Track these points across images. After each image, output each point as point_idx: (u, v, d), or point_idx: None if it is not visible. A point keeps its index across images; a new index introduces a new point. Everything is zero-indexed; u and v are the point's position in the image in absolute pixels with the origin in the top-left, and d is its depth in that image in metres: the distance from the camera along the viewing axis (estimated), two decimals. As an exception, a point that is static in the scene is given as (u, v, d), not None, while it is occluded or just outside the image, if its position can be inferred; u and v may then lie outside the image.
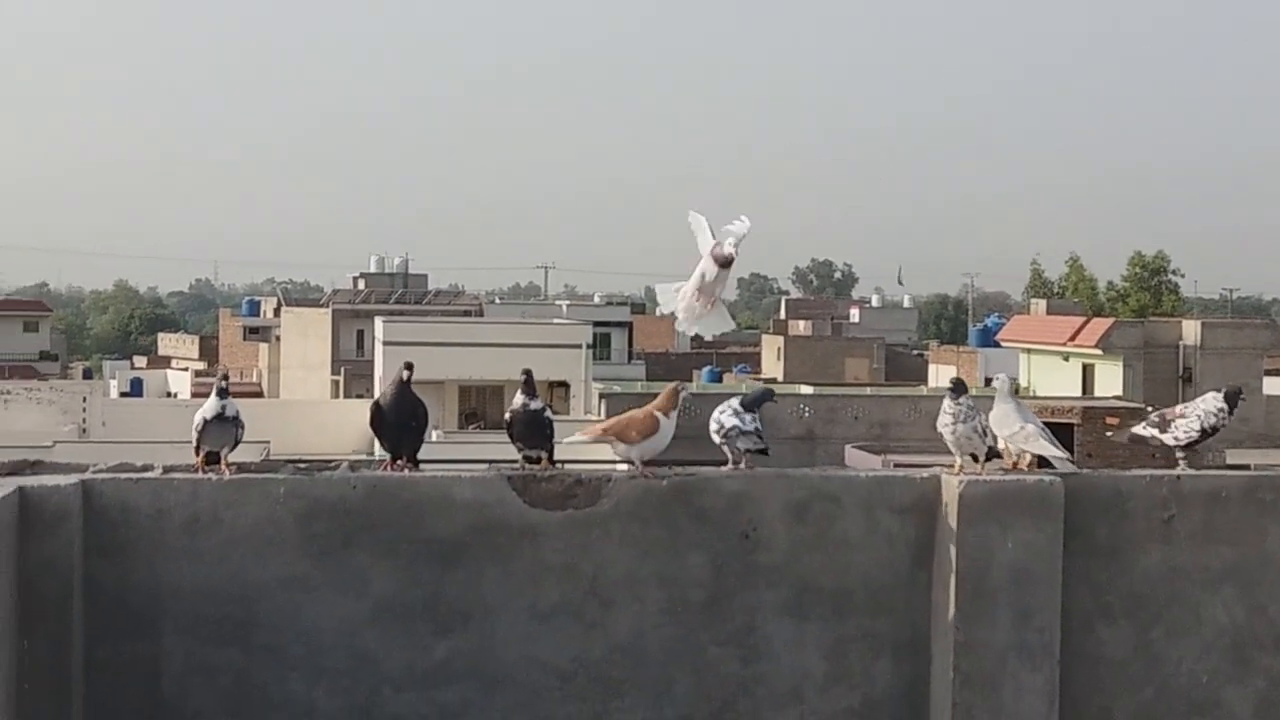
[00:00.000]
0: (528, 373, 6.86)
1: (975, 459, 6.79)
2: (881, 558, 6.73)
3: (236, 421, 6.48)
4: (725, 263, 6.86)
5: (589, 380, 52.18)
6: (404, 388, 6.71)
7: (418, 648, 6.52)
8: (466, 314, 72.77)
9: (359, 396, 64.53)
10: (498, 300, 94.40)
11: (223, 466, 6.51)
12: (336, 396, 67.87)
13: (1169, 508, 6.81)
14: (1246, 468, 7.55)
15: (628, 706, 6.65)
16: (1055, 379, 53.71)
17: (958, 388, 6.83)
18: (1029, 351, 56.28)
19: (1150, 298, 74.02)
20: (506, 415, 6.79)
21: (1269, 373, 56.13)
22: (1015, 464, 6.90)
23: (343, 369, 71.72)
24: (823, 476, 6.79)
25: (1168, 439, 6.99)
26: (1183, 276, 78.03)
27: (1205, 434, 6.94)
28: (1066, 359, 54.20)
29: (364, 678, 6.49)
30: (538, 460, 6.72)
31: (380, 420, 6.73)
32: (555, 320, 64.02)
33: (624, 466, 6.76)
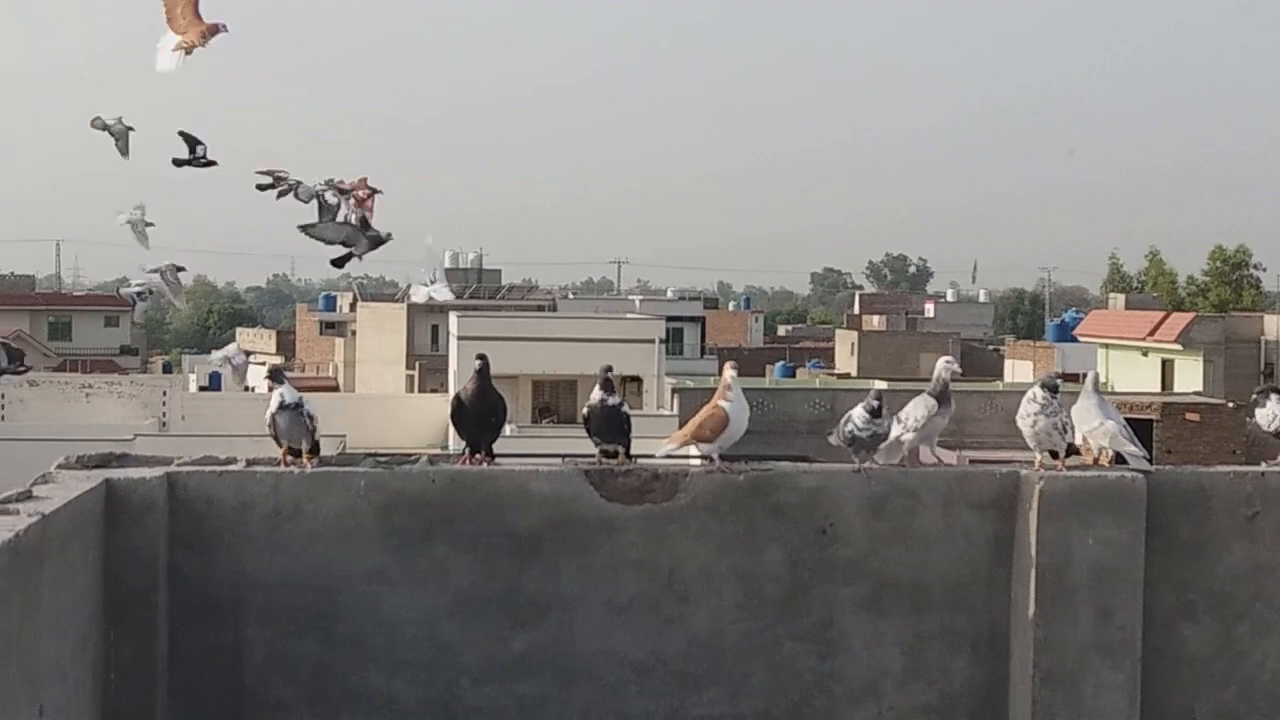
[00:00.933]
0: (608, 369, 6.88)
1: (1054, 455, 6.74)
2: (960, 553, 6.69)
3: (299, 409, 6.55)
4: None
5: (662, 375, 52.16)
6: (485, 382, 6.75)
7: (496, 640, 6.56)
8: (540, 309, 73.02)
9: (434, 391, 64.89)
10: (571, 295, 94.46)
11: (304, 460, 6.58)
12: (412, 391, 68.29)
13: (1253, 504, 6.72)
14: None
15: (704, 701, 6.66)
16: (1134, 374, 53.09)
17: (1051, 384, 6.75)
18: (1107, 347, 55.68)
19: (1231, 292, 73.00)
20: (584, 410, 6.82)
21: (1356, 369, 55.22)
22: (1096, 459, 6.84)
23: (418, 364, 72.10)
24: (901, 472, 6.76)
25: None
26: (1264, 270, 76.88)
27: None
28: (1145, 354, 53.60)
29: (443, 670, 6.54)
30: (615, 455, 6.74)
31: (460, 414, 6.78)
32: (628, 315, 64.05)
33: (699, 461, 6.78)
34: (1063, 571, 6.54)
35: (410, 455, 6.86)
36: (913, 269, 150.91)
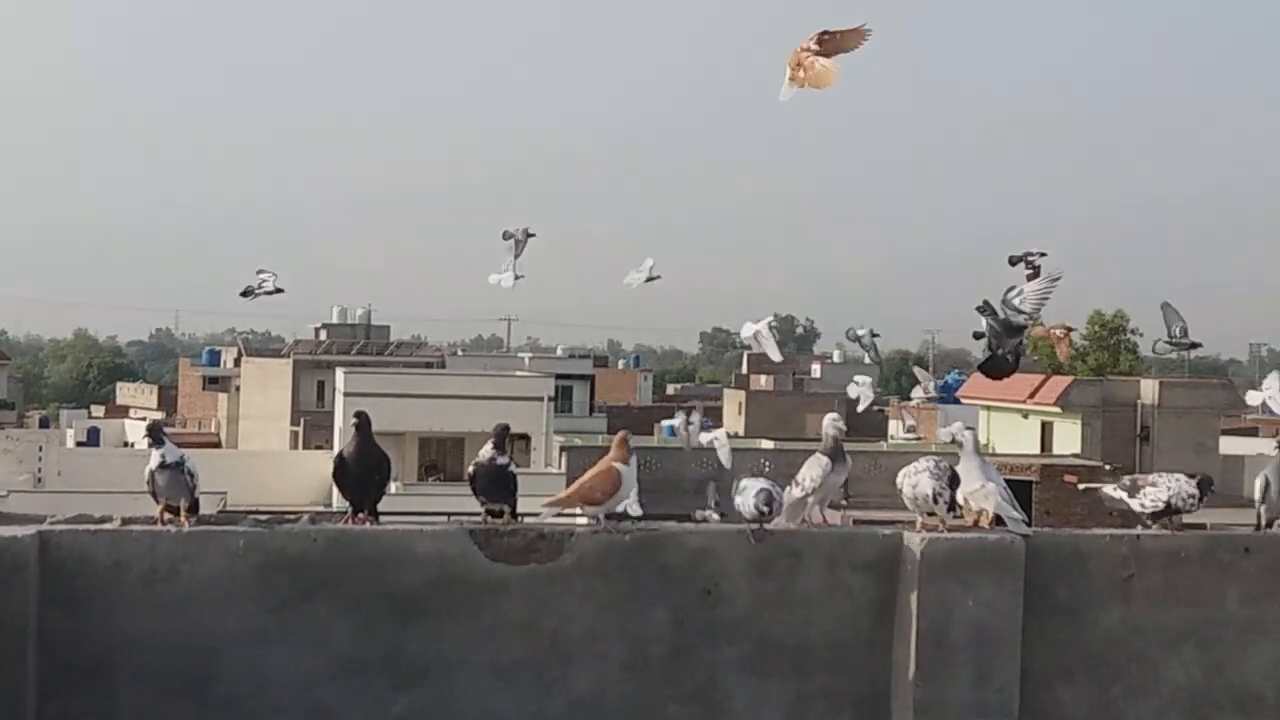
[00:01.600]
0: (504, 427, 6.84)
1: (933, 516, 6.80)
2: (843, 614, 6.73)
3: (181, 467, 6.45)
4: None
5: (550, 433, 52.09)
6: (368, 441, 6.69)
7: (376, 703, 6.48)
8: (428, 365, 72.57)
9: (319, 448, 64.18)
10: (460, 352, 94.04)
11: (183, 518, 6.47)
12: (296, 447, 67.49)
13: (1128, 567, 6.84)
14: (1203, 527, 7.59)
15: (587, 763, 6.61)
16: (1015, 436, 53.94)
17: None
18: (989, 408, 56.45)
19: (1109, 356, 74.50)
20: (470, 468, 6.77)
21: (1225, 432, 56.53)
22: (976, 521, 6.92)
23: (303, 420, 71.34)
24: (786, 532, 6.79)
25: (1135, 504, 7.02)
26: (1141, 335, 78.48)
27: (1169, 510, 6.96)
28: (1026, 416, 54.45)
29: (321, 733, 6.43)
30: (500, 514, 6.70)
31: (343, 473, 6.71)
32: (517, 373, 63.91)
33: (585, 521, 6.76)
34: (943, 633, 6.60)
35: (292, 514, 6.78)
36: (800, 330, 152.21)
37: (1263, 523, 7.10)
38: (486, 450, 6.79)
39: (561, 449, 50.70)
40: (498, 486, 6.72)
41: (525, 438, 53.03)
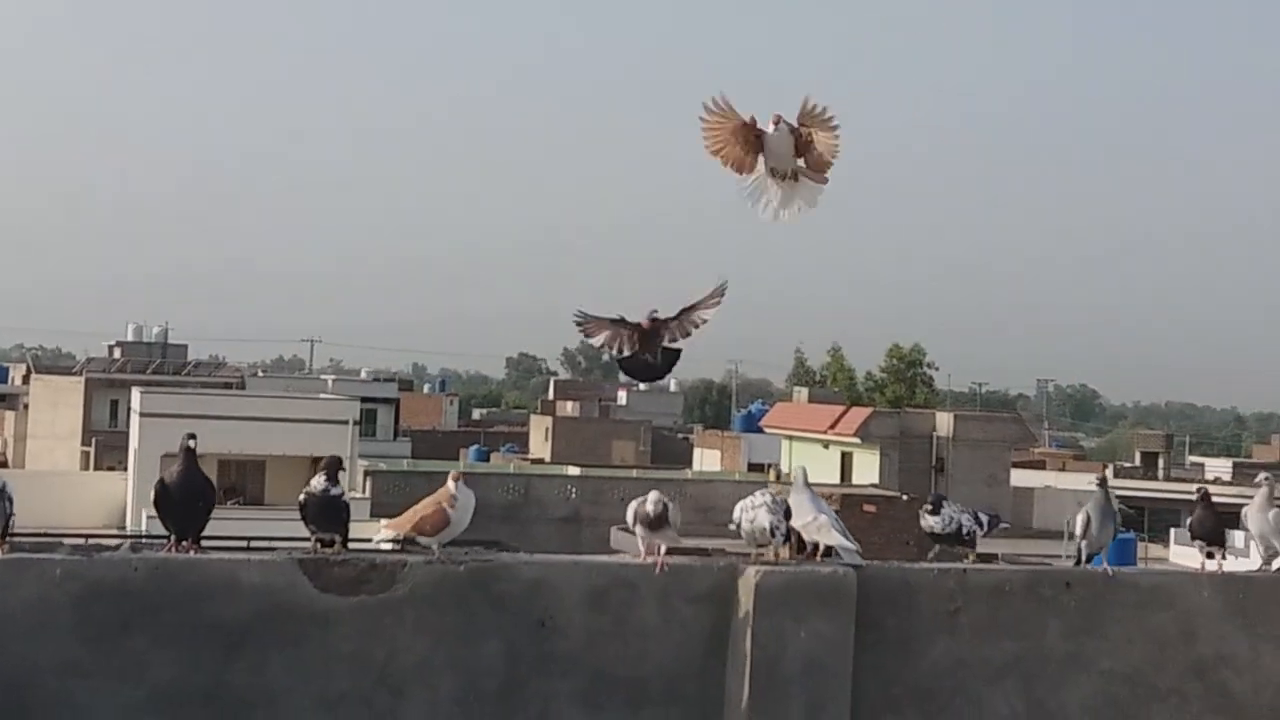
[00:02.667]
0: (336, 459, 6.69)
1: (763, 549, 6.83)
2: (677, 646, 6.71)
3: (2, 492, 6.20)
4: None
5: (355, 457, 51.26)
6: (191, 466, 6.48)
7: (197, 738, 6.25)
8: (228, 386, 71.07)
9: (111, 468, 62.32)
10: (260, 373, 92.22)
11: (-6, 546, 6.18)
12: (88, 468, 65.45)
13: (955, 600, 6.95)
14: (995, 557, 7.74)
15: (415, 799, 6.47)
16: (816, 466, 54.70)
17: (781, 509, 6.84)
18: (790, 438, 57.32)
19: (906, 389, 76.18)
20: (301, 497, 6.60)
21: (1015, 465, 58.26)
22: (810, 554, 6.97)
23: (94, 440, 69.26)
24: (621, 564, 6.76)
25: (934, 521, 7.17)
26: (937, 369, 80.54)
27: (959, 535, 7.15)
28: (826, 446, 55.36)
29: (139, 769, 6.18)
30: (331, 544, 6.54)
31: (164, 500, 6.47)
32: (321, 395, 62.88)
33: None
34: (775, 664, 6.62)
35: (108, 538, 6.51)
36: (606, 357, 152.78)
37: (1083, 558, 7.28)
38: (319, 480, 6.63)
39: (366, 473, 50.02)
40: (329, 516, 6.56)
41: (329, 461, 52.14)
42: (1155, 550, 44.66)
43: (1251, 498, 7.42)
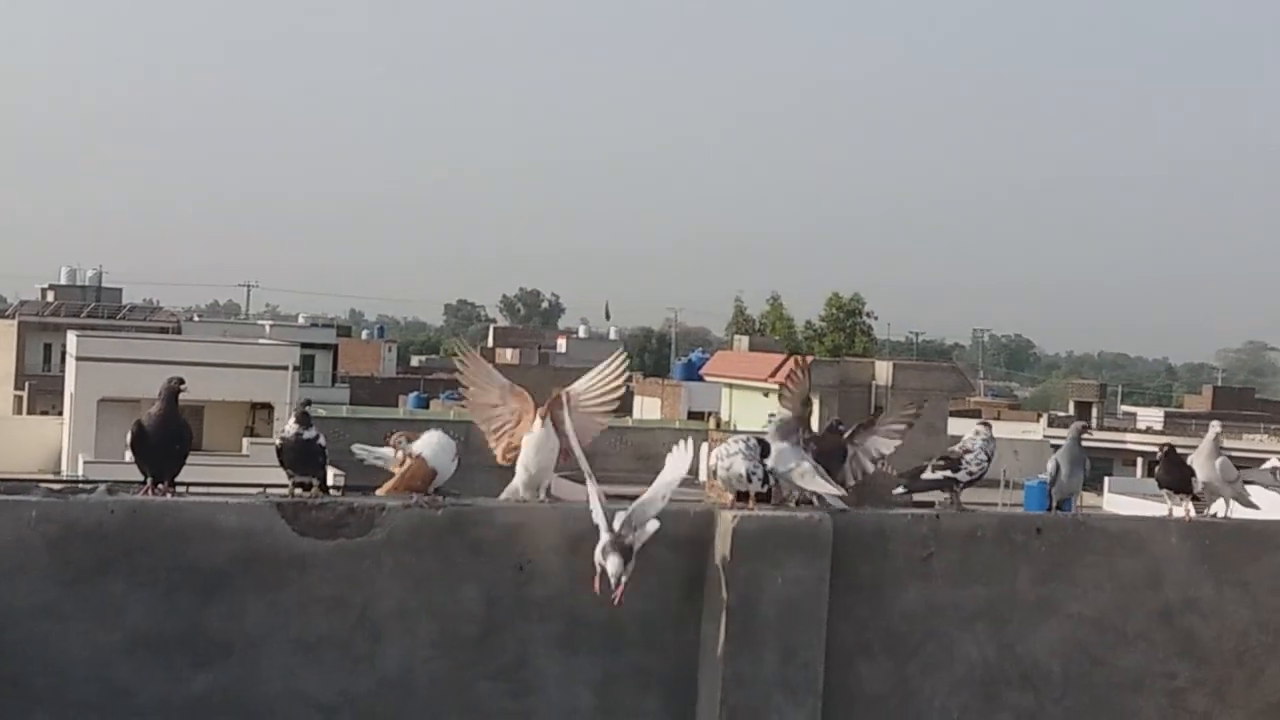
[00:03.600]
0: (307, 402, 6.66)
1: (744, 497, 6.86)
2: (653, 592, 6.72)
3: None
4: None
5: (294, 403, 50.97)
6: (171, 409, 6.41)
7: (174, 681, 6.22)
8: (164, 331, 70.45)
9: (44, 413, 61.70)
10: (196, 318, 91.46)
11: (-34, 488, 6.11)
12: (20, 413, 64.78)
13: (928, 546, 7.01)
14: (931, 505, 7.79)
15: (393, 742, 6.48)
16: (756, 413, 54.96)
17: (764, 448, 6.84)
18: (731, 386, 57.51)
19: (845, 338, 76.60)
20: (278, 441, 6.56)
21: (953, 414, 58.73)
22: (784, 499, 7.00)
23: (27, 384, 68.54)
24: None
25: (962, 475, 7.20)
26: (875, 319, 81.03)
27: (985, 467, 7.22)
28: (767, 395, 55.46)
29: (115, 713, 6.15)
30: (308, 488, 6.51)
31: (142, 441, 6.40)
32: (260, 341, 62.43)
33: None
34: (752, 610, 6.65)
35: (88, 483, 6.44)
36: (545, 305, 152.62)
37: (1053, 503, 7.36)
38: (291, 425, 6.59)
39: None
40: (306, 460, 6.53)
41: (268, 407, 51.97)
42: (1090, 499, 45.25)
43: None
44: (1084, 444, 7.46)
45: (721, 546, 6.67)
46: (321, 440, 6.58)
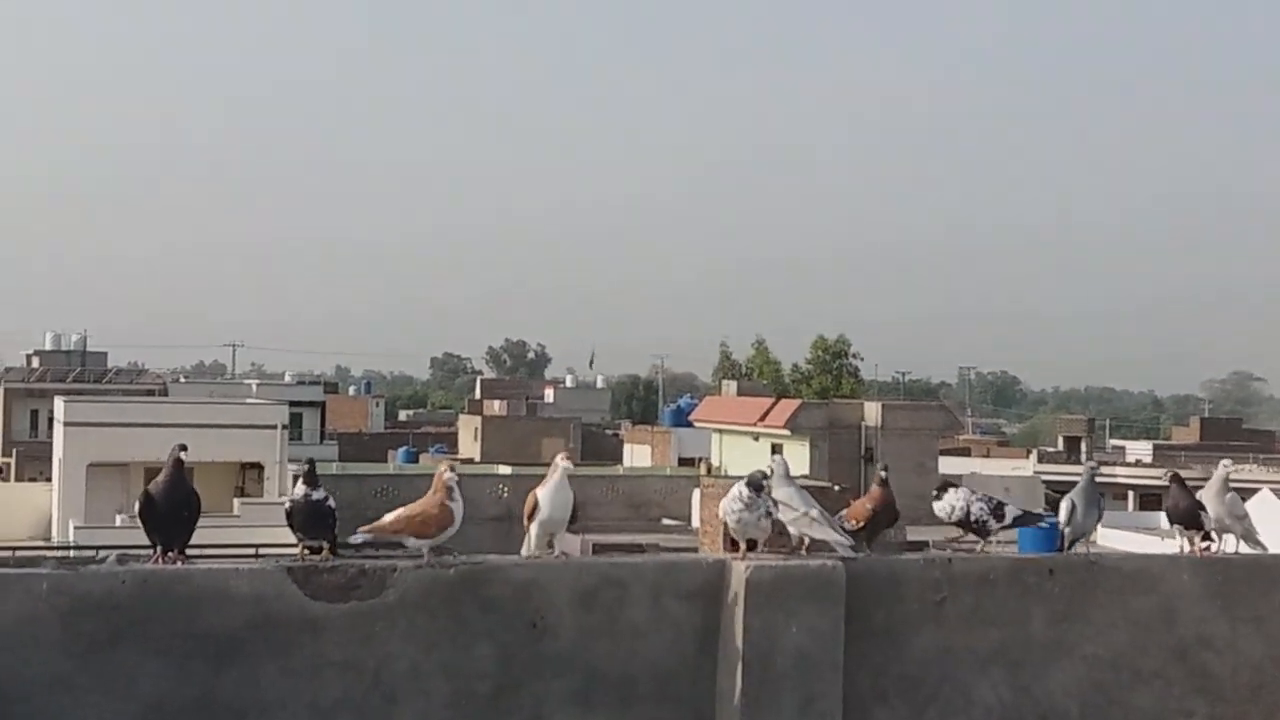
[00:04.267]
0: (310, 462, 6.62)
1: (753, 545, 6.83)
2: (668, 644, 6.70)
3: None
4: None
5: (284, 461, 50.81)
6: (178, 475, 6.39)
7: (190, 750, 6.16)
8: (150, 393, 70.22)
9: (32, 479, 61.37)
10: (182, 379, 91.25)
11: (-25, 561, 6.06)
12: (8, 479, 64.44)
13: (941, 590, 6.99)
14: (926, 544, 7.80)
15: (411, 805, 6.42)
16: (746, 458, 54.95)
17: (756, 484, 6.83)
18: (721, 432, 57.46)
19: (832, 380, 76.62)
20: (286, 504, 6.53)
21: (943, 453, 58.77)
22: (795, 547, 6.99)
23: (15, 451, 68.20)
24: (610, 563, 6.75)
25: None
26: (862, 360, 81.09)
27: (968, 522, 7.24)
28: (756, 439, 55.53)
29: (131, 784, 6.09)
30: (319, 551, 6.47)
31: (150, 510, 6.37)
32: (248, 400, 62.25)
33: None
34: (767, 659, 6.63)
35: (95, 549, 6.40)
36: (531, 355, 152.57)
37: (1066, 544, 7.34)
38: (300, 488, 6.57)
39: (295, 478, 49.48)
40: (315, 523, 6.50)
41: (258, 466, 51.74)
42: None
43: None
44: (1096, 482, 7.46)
45: (735, 597, 6.64)
46: (331, 502, 6.55)
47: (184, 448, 6.44)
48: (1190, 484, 7.61)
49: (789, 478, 7.07)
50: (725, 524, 6.89)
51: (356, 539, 6.65)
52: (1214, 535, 7.46)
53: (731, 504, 6.79)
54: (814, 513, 6.82)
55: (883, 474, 7.49)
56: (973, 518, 7.19)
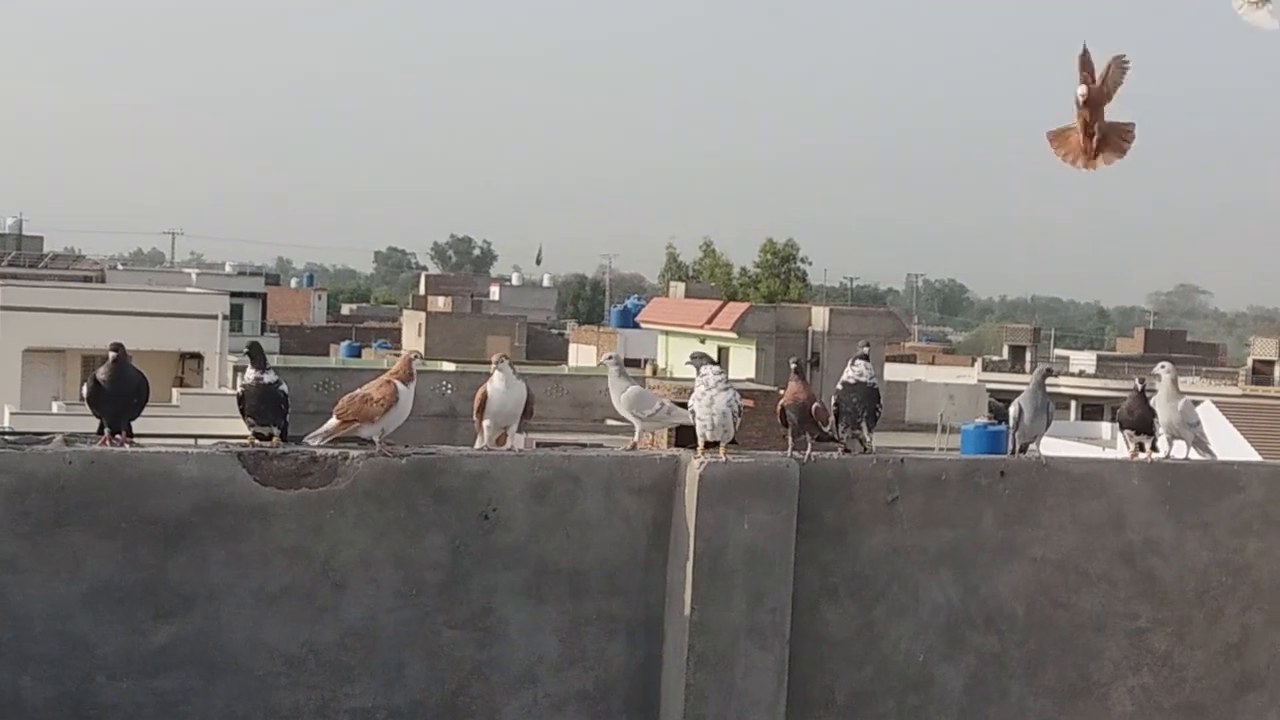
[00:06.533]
0: (255, 344, 6.54)
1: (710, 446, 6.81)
2: (619, 538, 6.69)
3: None
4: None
5: (225, 352, 50.49)
6: (124, 364, 6.27)
7: (136, 633, 6.11)
8: (87, 279, 69.40)
9: (-35, 366, 60.66)
10: (120, 266, 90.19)
11: (-83, 439, 5.95)
12: (-58, 363, 63.70)
13: (893, 490, 7.00)
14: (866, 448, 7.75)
15: (358, 693, 6.41)
16: (692, 361, 55.08)
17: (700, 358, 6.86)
18: (667, 334, 57.55)
19: (780, 284, 76.80)
20: (239, 389, 6.43)
21: (889, 359, 59.13)
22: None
23: (-51, 335, 67.36)
24: (564, 456, 6.69)
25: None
26: (810, 264, 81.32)
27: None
28: (703, 341, 55.63)
29: (76, 665, 6.04)
30: (269, 437, 6.40)
31: (99, 397, 6.25)
32: (187, 289, 61.66)
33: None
34: (718, 556, 6.63)
35: (44, 434, 6.30)
36: (477, 251, 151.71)
37: (1016, 447, 7.36)
38: (250, 371, 6.47)
39: (235, 369, 49.22)
40: (268, 407, 6.41)
41: (198, 357, 51.40)
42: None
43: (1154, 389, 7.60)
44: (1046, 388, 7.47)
45: (688, 492, 6.63)
46: (284, 387, 6.46)
47: (119, 346, 6.32)
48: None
49: (625, 374, 7.05)
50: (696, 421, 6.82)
51: (314, 443, 6.55)
52: (1160, 443, 7.49)
53: (699, 390, 6.76)
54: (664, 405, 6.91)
55: (792, 366, 7.36)
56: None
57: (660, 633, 6.74)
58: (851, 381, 7.11)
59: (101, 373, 6.30)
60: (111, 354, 6.32)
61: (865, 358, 7.24)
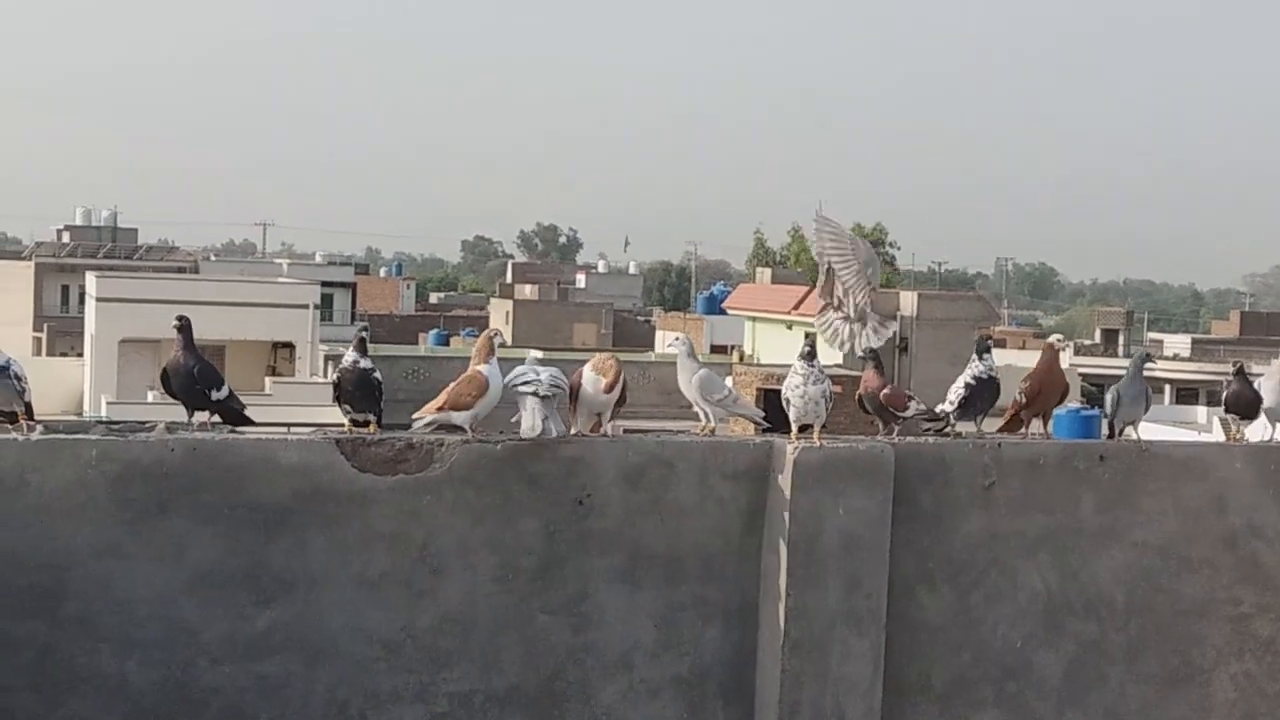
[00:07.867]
0: (365, 328, 6.59)
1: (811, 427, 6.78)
2: (714, 524, 6.68)
3: (6, 370, 6.11)
4: None
5: (316, 341, 51.01)
6: (187, 350, 6.42)
7: (237, 618, 6.20)
8: (180, 270, 70.43)
9: (64, 355, 61.79)
10: (212, 257, 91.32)
11: (23, 425, 6.06)
12: (39, 355, 64.88)
13: (989, 475, 6.94)
14: (958, 435, 7.69)
15: (455, 678, 6.47)
16: (780, 346, 54.81)
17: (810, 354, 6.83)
18: (754, 320, 57.33)
19: (867, 270, 76.18)
20: (334, 375, 6.49)
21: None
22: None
23: (46, 326, 68.60)
24: (658, 442, 6.70)
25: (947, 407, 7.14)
26: (899, 249, 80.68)
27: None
28: (790, 327, 55.35)
29: (179, 650, 6.14)
30: (366, 424, 6.45)
31: (166, 384, 6.44)
32: (280, 280, 62.36)
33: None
34: (814, 541, 6.60)
35: (145, 422, 6.40)
36: (563, 239, 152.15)
37: (1113, 432, 7.27)
38: (350, 355, 6.53)
39: (326, 358, 49.71)
40: (364, 394, 6.46)
41: (290, 346, 51.95)
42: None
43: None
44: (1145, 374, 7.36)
45: (783, 478, 6.60)
46: (379, 374, 6.51)
47: (182, 318, 6.42)
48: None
49: (695, 357, 7.01)
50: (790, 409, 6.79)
51: (416, 422, 6.59)
52: (1264, 426, 7.38)
53: (795, 380, 6.73)
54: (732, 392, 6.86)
55: (866, 354, 7.46)
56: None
57: (755, 618, 6.73)
58: (984, 377, 7.05)
59: (169, 360, 6.44)
60: (177, 326, 6.44)
61: (989, 350, 7.21)
